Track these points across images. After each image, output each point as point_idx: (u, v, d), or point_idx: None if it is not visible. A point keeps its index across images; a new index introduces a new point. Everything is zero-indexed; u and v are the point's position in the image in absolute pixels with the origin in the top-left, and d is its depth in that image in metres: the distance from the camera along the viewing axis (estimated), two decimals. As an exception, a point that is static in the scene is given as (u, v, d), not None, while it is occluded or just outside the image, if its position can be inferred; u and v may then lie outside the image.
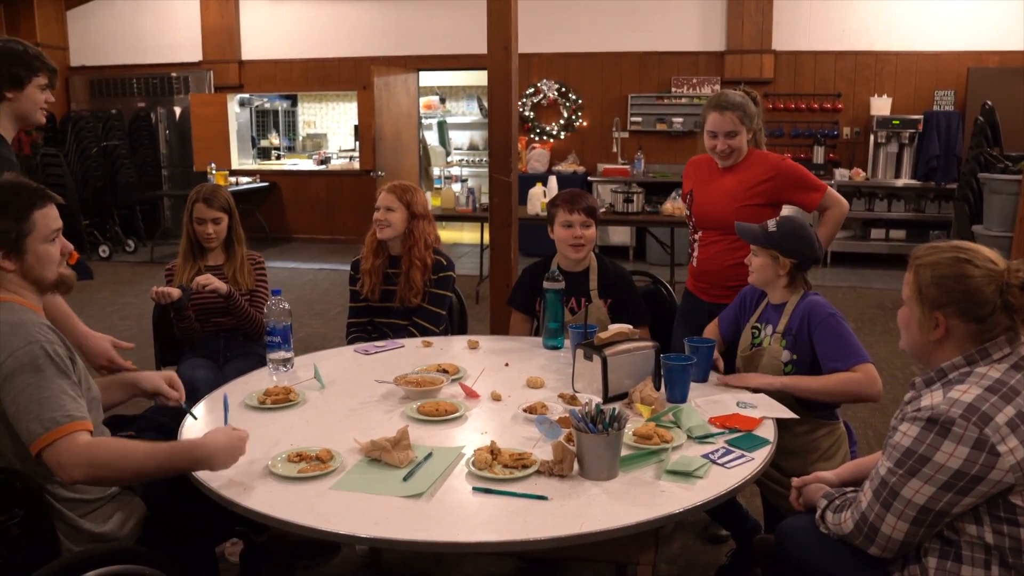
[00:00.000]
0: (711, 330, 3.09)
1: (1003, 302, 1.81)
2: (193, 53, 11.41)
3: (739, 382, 2.70)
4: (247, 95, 11.77)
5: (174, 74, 11.42)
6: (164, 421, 2.55)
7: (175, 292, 3.39)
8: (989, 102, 8.06)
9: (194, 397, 2.68)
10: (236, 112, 11.61)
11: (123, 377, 2.47)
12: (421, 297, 3.53)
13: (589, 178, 10.13)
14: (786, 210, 3.41)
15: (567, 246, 3.29)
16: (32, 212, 2.08)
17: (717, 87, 10.03)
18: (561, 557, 2.94)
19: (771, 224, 2.80)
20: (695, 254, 3.50)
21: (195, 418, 2.44)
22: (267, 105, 12.59)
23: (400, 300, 3.53)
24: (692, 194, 3.49)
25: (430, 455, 2.14)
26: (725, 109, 3.26)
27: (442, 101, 13.49)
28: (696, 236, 3.49)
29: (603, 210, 7.82)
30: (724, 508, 2.69)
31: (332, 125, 12.94)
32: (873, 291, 8.32)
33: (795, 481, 2.26)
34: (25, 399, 1.90)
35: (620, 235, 10.03)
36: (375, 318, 3.62)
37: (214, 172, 10.45)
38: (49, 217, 2.13)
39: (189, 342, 3.59)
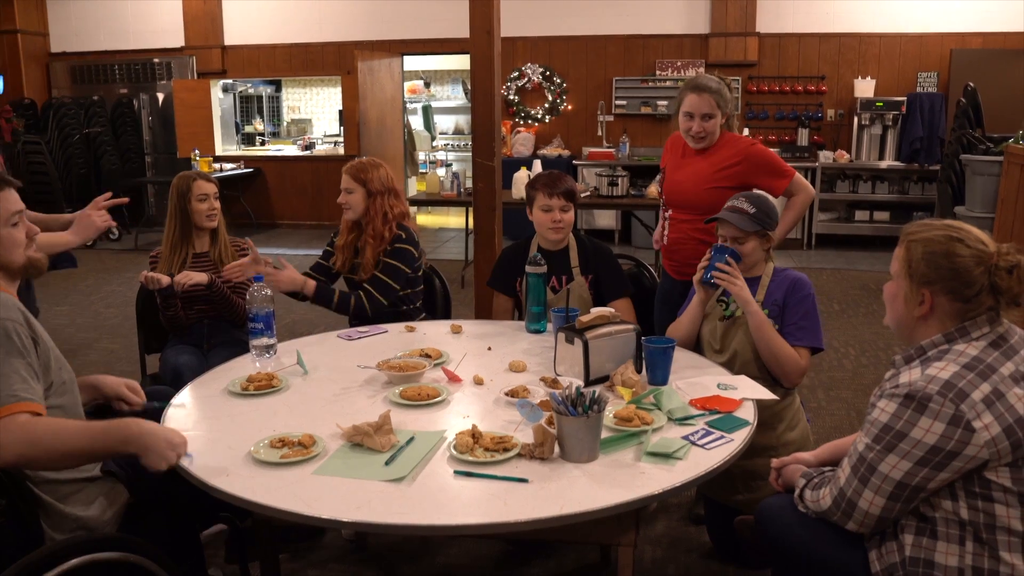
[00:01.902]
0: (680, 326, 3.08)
1: (990, 283, 1.83)
2: (175, 39, 11.31)
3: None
4: (230, 81, 11.69)
5: (156, 60, 11.33)
6: (151, 407, 2.55)
7: (165, 279, 3.39)
8: (971, 84, 8.09)
9: (178, 383, 2.68)
10: (220, 98, 11.53)
11: (84, 379, 2.45)
12: (375, 268, 3.52)
13: (574, 162, 10.13)
14: None
15: (546, 229, 3.32)
16: None
17: (702, 70, 10.02)
18: (543, 539, 2.97)
19: (747, 206, 2.83)
20: (666, 232, 3.54)
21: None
22: (251, 91, 12.52)
23: (361, 272, 3.55)
24: (664, 172, 3.52)
25: (412, 439, 2.15)
26: (703, 91, 3.29)
27: (427, 85, 13.44)
28: (667, 214, 3.53)
29: (588, 194, 7.83)
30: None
31: (316, 110, 12.88)
32: (857, 273, 8.36)
33: (774, 462, 2.30)
34: None
35: (605, 219, 10.04)
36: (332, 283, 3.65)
37: (198, 158, 10.39)
38: (8, 201, 2.12)
39: (175, 330, 3.59)
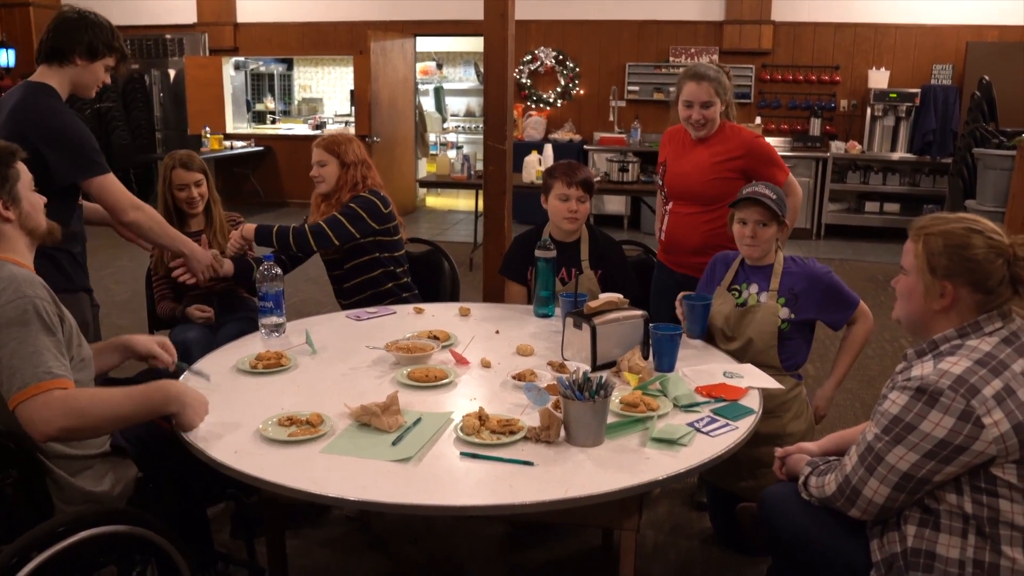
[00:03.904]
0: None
1: (1010, 274, 1.84)
2: (188, 15, 11.29)
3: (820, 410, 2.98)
4: (242, 58, 11.67)
5: (168, 36, 11.31)
6: (181, 367, 2.58)
7: (229, 267, 3.38)
8: (986, 77, 8.03)
9: (187, 359, 2.71)
10: (231, 75, 11.52)
11: (116, 341, 2.50)
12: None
13: (585, 146, 10.11)
14: None
15: (561, 218, 3.31)
16: (14, 162, 2.14)
17: (715, 57, 9.97)
18: (547, 522, 3.00)
19: (768, 191, 2.84)
20: (663, 226, 3.53)
21: (207, 377, 2.47)
22: (262, 69, 12.49)
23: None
24: (666, 165, 3.52)
25: (419, 420, 2.17)
26: (702, 79, 3.30)
27: (439, 67, 13.40)
28: (667, 207, 3.52)
29: (598, 179, 7.82)
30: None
31: (328, 90, 12.85)
32: (866, 264, 8.34)
33: (778, 451, 2.31)
34: (8, 353, 1.91)
35: (615, 204, 10.03)
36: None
37: (209, 136, 10.40)
38: (25, 170, 2.19)
39: (173, 323, 3.60)
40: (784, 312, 2.84)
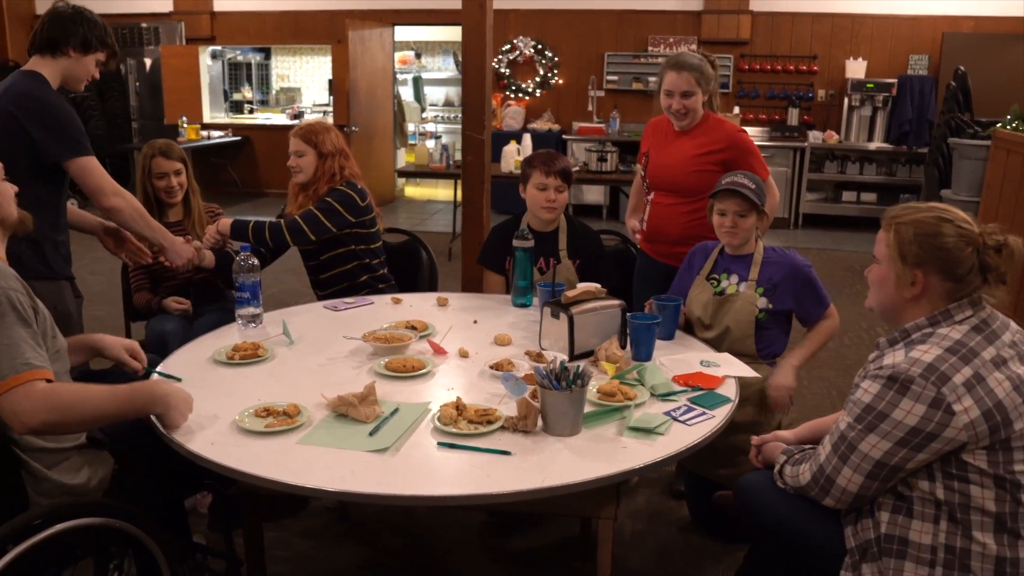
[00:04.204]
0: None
1: (979, 262, 1.86)
2: (164, 3, 11.16)
3: (782, 394, 2.85)
4: (219, 47, 11.57)
5: (144, 25, 11.18)
6: (133, 376, 2.56)
7: (210, 258, 3.36)
8: (962, 67, 8.09)
9: (163, 351, 2.69)
10: (208, 65, 11.42)
11: (85, 340, 2.46)
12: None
13: (564, 136, 10.10)
14: None
15: (539, 207, 3.30)
16: None
17: (694, 47, 9.99)
18: (524, 511, 3.00)
19: (747, 182, 2.85)
20: (645, 216, 3.53)
21: (178, 379, 2.42)
22: (240, 58, 12.39)
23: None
24: (648, 155, 3.51)
25: (396, 411, 2.17)
26: (682, 69, 3.28)
27: (417, 56, 13.34)
28: (649, 197, 3.52)
29: (577, 169, 7.82)
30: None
31: (306, 79, 12.77)
32: (843, 253, 8.39)
33: (754, 439, 2.33)
34: None
35: (594, 194, 10.03)
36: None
37: (185, 125, 10.30)
38: None
39: (148, 315, 3.57)
40: (762, 302, 2.86)
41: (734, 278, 2.92)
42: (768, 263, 2.90)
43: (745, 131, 3.47)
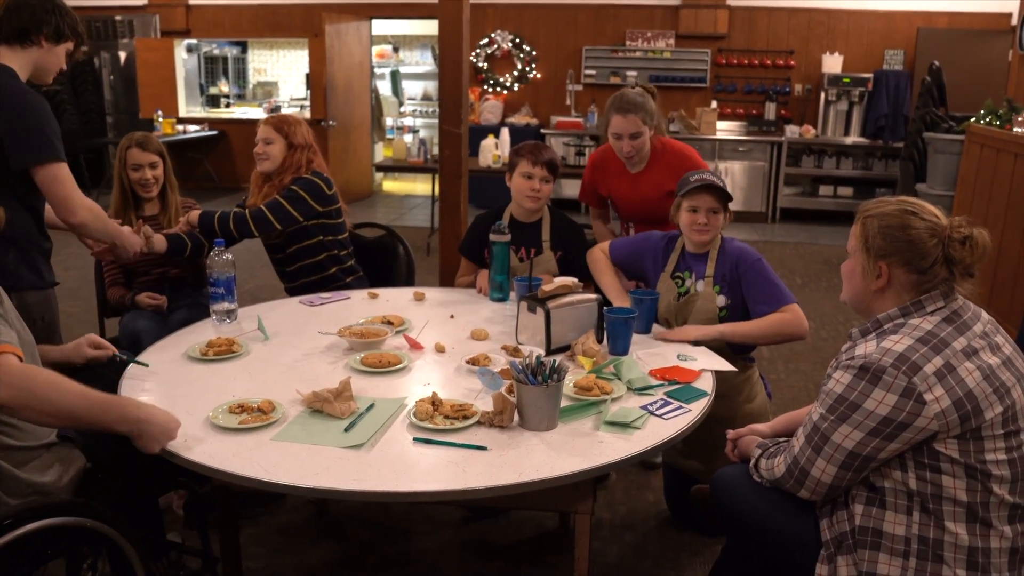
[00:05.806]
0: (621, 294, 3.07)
1: (944, 255, 1.87)
2: (138, -5, 11.09)
3: (678, 336, 2.75)
4: (195, 41, 11.47)
5: (118, 17, 11.07)
6: (106, 374, 2.53)
7: (161, 241, 3.26)
8: (936, 62, 8.16)
9: (137, 348, 2.66)
10: (183, 58, 11.32)
11: (48, 352, 2.42)
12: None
13: (542, 130, 10.09)
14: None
15: (524, 196, 3.30)
16: None
17: (671, 41, 10.01)
18: (501, 506, 3.00)
19: (716, 180, 2.84)
20: (631, 234, 3.59)
21: (146, 365, 2.42)
22: (216, 51, 12.28)
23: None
24: (611, 196, 3.60)
25: (372, 406, 2.16)
26: (628, 112, 3.31)
27: (395, 50, 13.28)
28: (629, 225, 3.61)
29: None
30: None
31: (283, 73, 12.68)
32: (820, 247, 8.45)
33: (730, 433, 2.33)
34: None
35: (573, 188, 10.00)
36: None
37: (161, 120, 10.21)
38: None
39: (123, 310, 3.54)
40: (721, 300, 2.83)
41: (693, 276, 2.91)
42: (721, 255, 2.87)
43: (695, 154, 3.49)
